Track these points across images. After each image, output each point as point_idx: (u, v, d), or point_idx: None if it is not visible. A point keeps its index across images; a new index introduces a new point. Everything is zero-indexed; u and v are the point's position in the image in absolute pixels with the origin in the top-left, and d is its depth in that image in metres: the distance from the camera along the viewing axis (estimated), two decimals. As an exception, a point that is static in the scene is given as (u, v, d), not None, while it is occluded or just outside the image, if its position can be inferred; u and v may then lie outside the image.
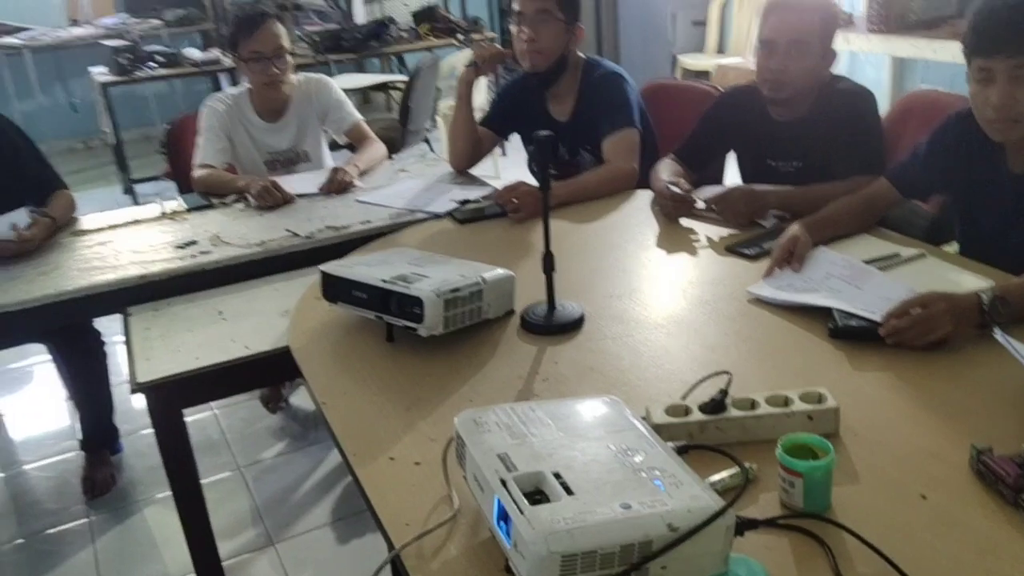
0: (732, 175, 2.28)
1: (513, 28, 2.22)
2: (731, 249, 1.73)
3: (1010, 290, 1.32)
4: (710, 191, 1.94)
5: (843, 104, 1.91)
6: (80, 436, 2.49)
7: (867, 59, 4.45)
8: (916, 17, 3.77)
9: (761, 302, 1.51)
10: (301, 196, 2.33)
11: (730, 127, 2.09)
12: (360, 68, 5.95)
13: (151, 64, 4.70)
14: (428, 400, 1.28)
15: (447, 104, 4.60)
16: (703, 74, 5.44)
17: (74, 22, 5.70)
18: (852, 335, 1.35)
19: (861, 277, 1.51)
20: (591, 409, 1.06)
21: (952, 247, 1.75)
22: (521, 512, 0.85)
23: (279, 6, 6.27)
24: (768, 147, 2.02)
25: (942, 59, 3.57)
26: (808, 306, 1.44)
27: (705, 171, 2.15)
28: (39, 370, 3.10)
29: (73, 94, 6.07)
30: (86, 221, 2.25)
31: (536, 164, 1.44)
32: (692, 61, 5.75)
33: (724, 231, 1.84)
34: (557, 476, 0.90)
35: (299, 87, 2.60)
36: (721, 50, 5.85)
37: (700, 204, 1.91)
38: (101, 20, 5.72)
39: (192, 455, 1.69)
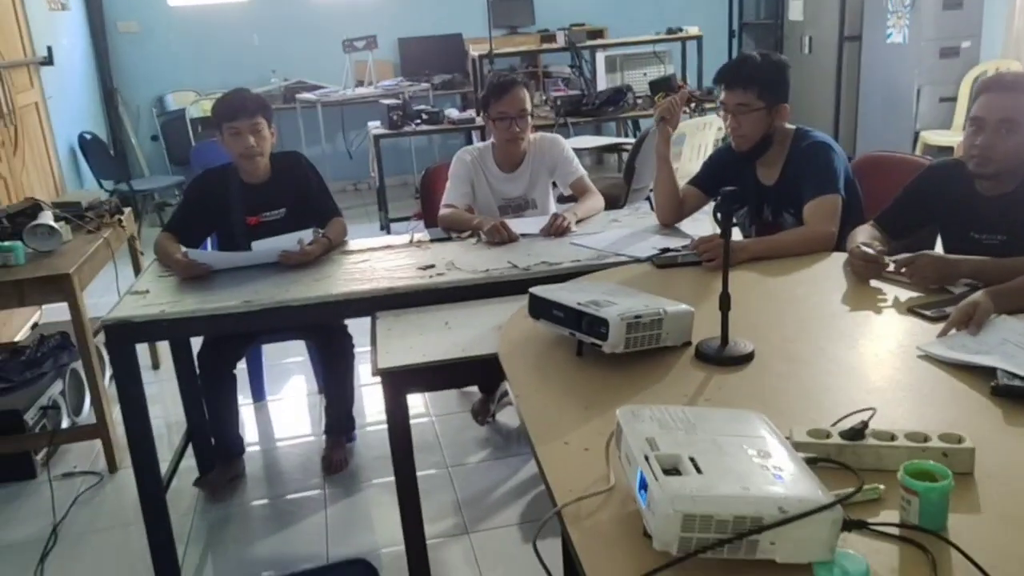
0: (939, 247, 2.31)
1: (720, 114, 2.44)
2: (912, 310, 1.81)
3: None
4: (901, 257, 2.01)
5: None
6: (325, 422, 2.97)
7: None
8: None
9: (929, 359, 1.58)
10: (524, 236, 2.67)
11: (933, 198, 2.14)
12: (597, 131, 6.38)
13: (417, 121, 5.40)
14: (603, 403, 1.51)
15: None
16: (947, 150, 5.25)
17: (359, 83, 6.65)
18: (1015, 394, 1.40)
19: (1040, 345, 1.54)
20: (736, 417, 1.24)
21: None
22: (656, 479, 1.06)
23: (529, 74, 6.93)
24: (972, 220, 2.06)
25: None
26: (976, 366, 1.50)
27: (904, 240, 2.20)
28: (297, 367, 3.71)
29: (351, 143, 7.05)
30: (352, 244, 2.74)
31: (720, 214, 1.64)
32: (936, 137, 5.56)
33: (911, 294, 1.91)
34: (692, 460, 1.10)
35: (535, 143, 2.98)
36: (970, 127, 5.58)
37: (891, 267, 1.99)
38: (382, 82, 6.63)
39: (411, 443, 2.03)
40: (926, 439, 1.24)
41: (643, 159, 4.39)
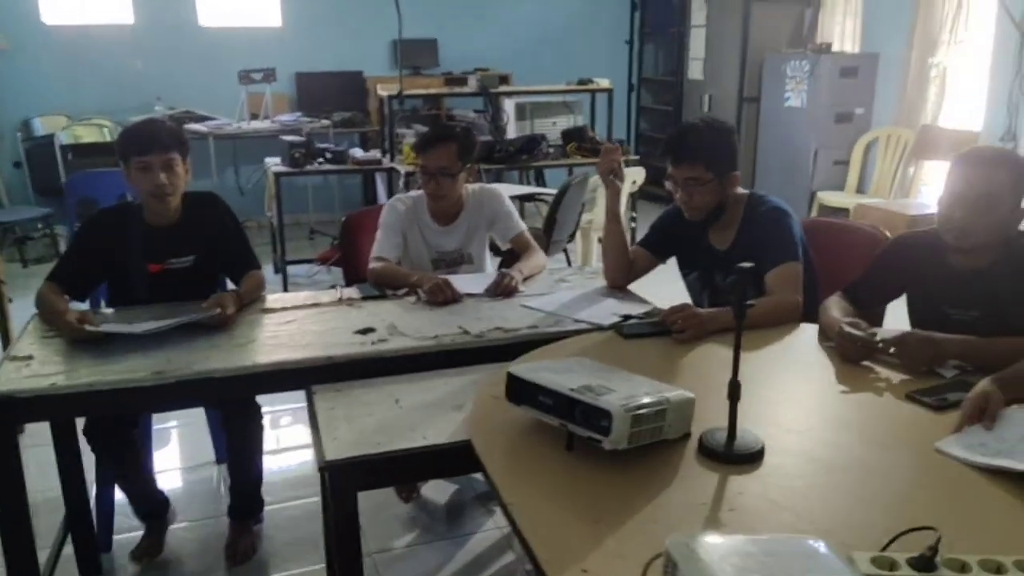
0: (894, 320, 2.25)
1: (668, 184, 2.32)
2: (912, 397, 1.71)
3: None
4: (885, 333, 1.93)
5: (1026, 259, 1.89)
6: (228, 503, 2.60)
7: None
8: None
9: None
10: (468, 295, 2.44)
11: (906, 271, 2.08)
12: (503, 180, 6.26)
13: (320, 160, 5.09)
14: (614, 515, 1.30)
15: (587, 218, 4.76)
16: (841, 211, 5.43)
17: (254, 116, 6.26)
18: (1057, 502, 1.30)
19: (1061, 442, 1.46)
20: (805, 552, 1.06)
21: None
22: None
23: (431, 116, 6.74)
24: (945, 294, 2.00)
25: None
26: (1007, 469, 1.40)
27: (873, 312, 2.14)
28: (189, 431, 3.28)
29: (243, 179, 6.61)
30: (272, 299, 2.43)
31: (733, 293, 1.48)
32: (831, 198, 5.75)
33: (900, 375, 1.82)
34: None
35: (473, 196, 2.77)
36: (860, 190, 5.85)
37: (879, 346, 1.90)
38: (279, 117, 6.27)
39: (359, 540, 1.74)
40: (1000, 568, 1.11)
41: (564, 211, 4.27)
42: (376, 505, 2.81)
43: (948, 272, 2.00)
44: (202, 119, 6.16)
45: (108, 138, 5.84)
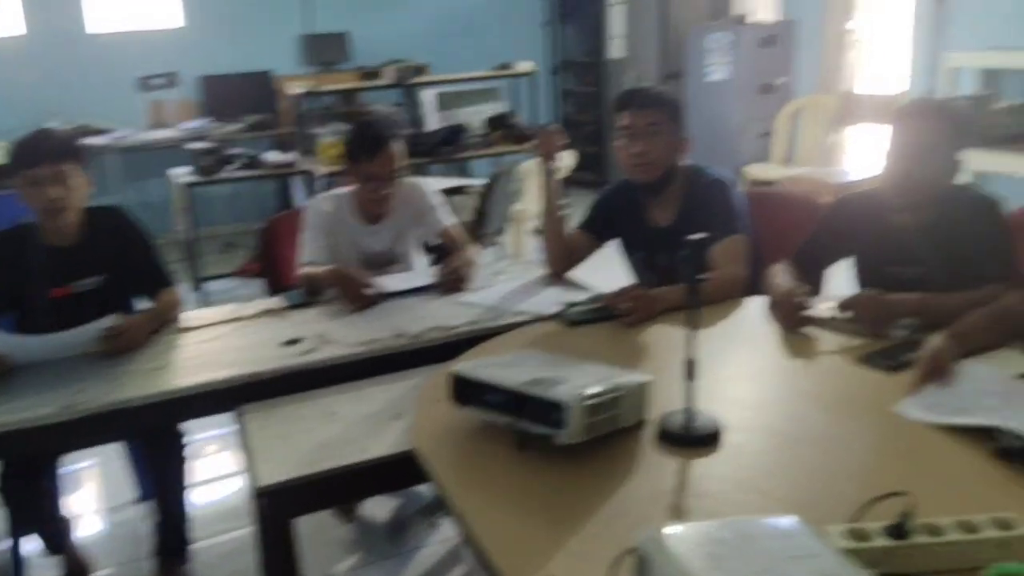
0: (836, 285, 2.23)
1: (619, 142, 2.24)
2: (865, 360, 1.67)
3: None
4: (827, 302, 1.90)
5: (969, 211, 1.88)
6: (154, 542, 2.40)
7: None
8: (1002, 132, 3.77)
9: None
10: (406, 293, 2.33)
11: (849, 233, 2.05)
12: (425, 174, 6.12)
13: (232, 167, 4.87)
14: (575, 514, 1.22)
15: (517, 208, 4.67)
16: (769, 183, 5.46)
17: (158, 125, 5.97)
18: (1021, 456, 1.27)
19: (1017, 394, 1.44)
20: (778, 532, 1.00)
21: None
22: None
23: (347, 114, 6.55)
24: (890, 253, 1.97)
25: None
26: (969, 426, 1.36)
27: (820, 277, 2.11)
28: (101, 471, 3.05)
29: (148, 194, 6.29)
30: (191, 318, 2.26)
31: (685, 267, 1.41)
32: (758, 171, 5.79)
33: (851, 341, 1.78)
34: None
35: (399, 191, 2.64)
36: (789, 160, 5.90)
37: (821, 310, 1.86)
38: (184, 124, 5.99)
39: (297, 568, 1.62)
40: (974, 527, 1.07)
41: (494, 202, 4.18)
42: (315, 529, 2.62)
43: (891, 230, 1.97)
44: (102, 132, 5.84)
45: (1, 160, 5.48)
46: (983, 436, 1.33)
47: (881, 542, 1.05)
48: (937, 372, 1.51)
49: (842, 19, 5.57)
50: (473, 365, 1.52)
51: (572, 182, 5.71)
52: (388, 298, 2.32)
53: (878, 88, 5.50)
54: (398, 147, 2.50)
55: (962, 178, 1.94)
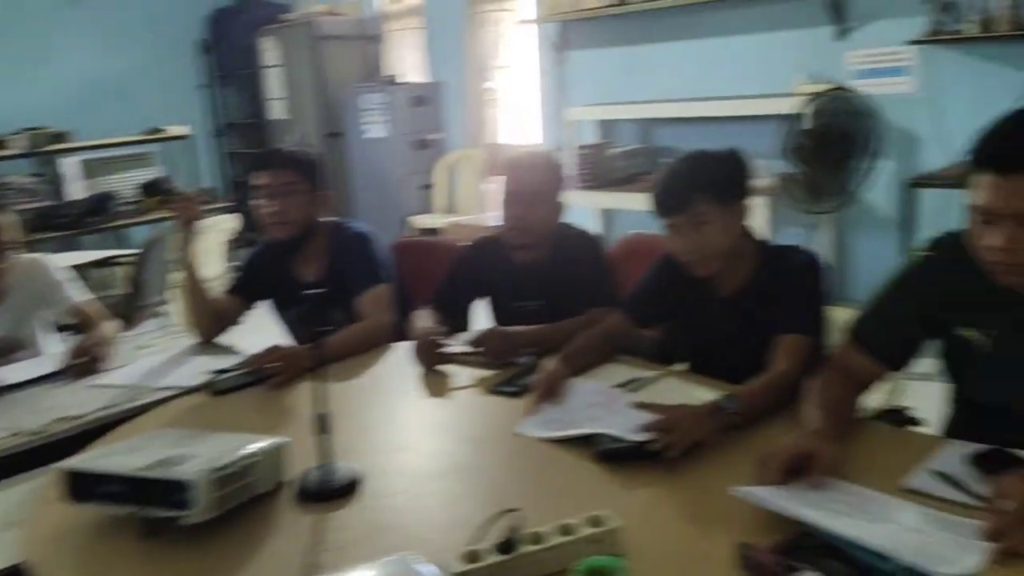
0: (481, 324, 2.40)
1: (258, 202, 2.23)
2: (493, 390, 1.81)
3: (737, 391, 1.53)
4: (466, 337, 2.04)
5: (576, 246, 2.14)
6: None
7: (579, 211, 5.00)
8: (619, 175, 4.35)
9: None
10: (31, 383, 2.10)
11: (478, 275, 2.23)
12: (70, 246, 5.56)
13: None
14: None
15: (181, 276, 4.40)
16: (434, 231, 5.74)
17: None
18: (617, 457, 1.44)
19: (616, 402, 1.64)
20: (397, 570, 1.04)
21: (682, 367, 1.95)
22: None
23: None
24: (514, 290, 2.18)
25: (638, 208, 4.11)
26: (576, 437, 1.53)
27: (459, 319, 2.25)
28: None
29: None
30: None
31: (306, 321, 1.43)
32: (424, 221, 6.06)
33: (483, 373, 1.92)
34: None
35: (14, 271, 2.37)
36: (452, 210, 6.24)
37: (456, 348, 1.99)
38: None
39: None
40: (570, 529, 1.19)
41: (150, 273, 3.91)
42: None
43: (514, 269, 2.18)
44: None
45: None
46: (587, 443, 1.50)
47: (491, 559, 1.14)
48: (550, 392, 1.68)
49: (480, 79, 6.07)
50: (90, 456, 1.41)
51: (244, 243, 5.54)
52: (6, 392, 2.05)
53: (518, 140, 6.06)
54: (6, 220, 2.26)
55: (568, 217, 2.20)
